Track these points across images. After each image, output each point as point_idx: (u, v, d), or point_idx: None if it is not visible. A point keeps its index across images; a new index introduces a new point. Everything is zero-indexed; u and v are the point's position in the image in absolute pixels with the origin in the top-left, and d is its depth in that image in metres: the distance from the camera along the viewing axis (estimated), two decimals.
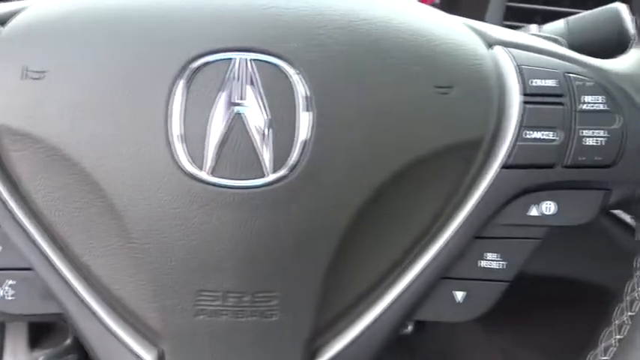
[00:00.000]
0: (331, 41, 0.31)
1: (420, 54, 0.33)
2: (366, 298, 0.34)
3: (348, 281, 0.33)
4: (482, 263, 0.35)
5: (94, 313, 0.33)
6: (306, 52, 0.31)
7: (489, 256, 0.35)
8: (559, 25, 0.47)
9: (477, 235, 0.35)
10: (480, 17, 0.64)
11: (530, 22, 0.57)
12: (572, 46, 0.46)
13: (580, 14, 0.47)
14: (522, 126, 0.34)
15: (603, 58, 0.47)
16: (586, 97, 0.34)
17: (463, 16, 0.68)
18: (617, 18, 0.45)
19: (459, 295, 0.35)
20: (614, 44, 0.45)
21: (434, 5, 0.72)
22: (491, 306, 0.36)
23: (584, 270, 0.75)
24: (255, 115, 0.30)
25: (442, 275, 0.35)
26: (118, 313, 0.33)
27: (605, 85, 0.34)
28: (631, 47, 0.36)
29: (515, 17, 0.65)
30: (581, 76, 0.34)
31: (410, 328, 1.22)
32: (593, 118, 0.34)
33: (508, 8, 0.64)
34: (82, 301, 0.32)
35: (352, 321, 0.35)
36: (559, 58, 0.35)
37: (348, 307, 0.34)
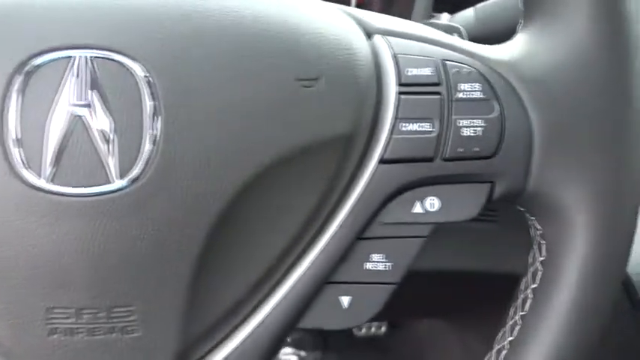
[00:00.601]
0: (179, 35, 0.30)
1: (281, 45, 0.31)
2: (241, 306, 0.33)
3: (216, 291, 0.32)
4: (368, 265, 0.33)
5: None
6: (151, 48, 0.29)
7: (375, 257, 0.33)
8: (468, 13, 0.45)
9: (360, 236, 0.33)
10: (409, 7, 0.62)
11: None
12: (481, 35, 0.45)
13: (488, 2, 0.46)
14: (397, 118, 0.32)
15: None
16: (462, 85, 0.32)
17: (396, 6, 0.66)
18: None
19: (345, 301, 0.34)
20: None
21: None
22: (378, 310, 0.34)
23: None
24: (99, 117, 0.29)
25: (326, 280, 0.33)
26: None
27: (482, 72, 0.32)
28: (517, 32, 0.34)
29: (445, 8, 0.63)
30: (458, 64, 0.32)
31: (383, 329, 1.21)
32: (470, 107, 0.32)
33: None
34: None
35: (230, 331, 0.33)
36: (439, 46, 0.33)
37: (222, 317, 0.32)
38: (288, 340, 1.08)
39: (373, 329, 1.09)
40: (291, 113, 0.30)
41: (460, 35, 0.41)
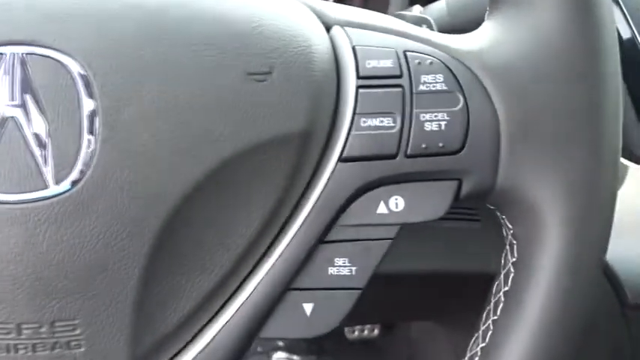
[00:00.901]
0: (119, 29, 0.28)
1: (231, 38, 0.29)
2: (196, 317, 0.31)
3: (167, 301, 0.30)
4: (332, 270, 0.32)
5: None
6: (88, 44, 0.27)
7: (338, 261, 0.32)
8: (440, 5, 0.44)
9: (323, 239, 0.31)
10: (387, 1, 0.60)
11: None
12: (452, 27, 0.43)
13: None
14: (357, 113, 0.30)
15: None
16: (424, 76, 0.30)
17: (371, 2, 0.65)
18: None
19: (309, 308, 0.32)
20: None
21: None
22: (343, 317, 0.32)
23: None
24: (33, 119, 0.27)
25: (288, 286, 0.31)
26: None
27: (446, 62, 0.31)
28: (484, 20, 0.33)
29: (423, 1, 0.61)
30: (420, 54, 0.31)
31: (376, 331, 1.20)
32: (433, 100, 0.30)
33: None
34: None
35: (185, 344, 0.31)
36: (401, 36, 0.31)
37: (175, 328, 0.30)
38: (281, 344, 1.06)
39: (366, 332, 1.07)
40: (242, 109, 0.29)
41: (430, 27, 0.39)
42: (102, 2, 0.28)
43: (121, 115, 0.27)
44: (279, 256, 0.31)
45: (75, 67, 0.27)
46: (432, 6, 0.44)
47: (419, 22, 0.39)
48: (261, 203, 0.30)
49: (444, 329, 0.91)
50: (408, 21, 0.36)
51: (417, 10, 0.43)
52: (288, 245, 0.31)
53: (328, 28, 0.32)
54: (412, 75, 0.30)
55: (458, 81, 0.30)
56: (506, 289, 0.32)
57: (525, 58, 0.30)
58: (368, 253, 0.31)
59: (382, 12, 0.53)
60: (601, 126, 0.30)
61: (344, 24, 0.32)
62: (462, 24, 0.43)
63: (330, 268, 0.32)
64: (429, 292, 0.71)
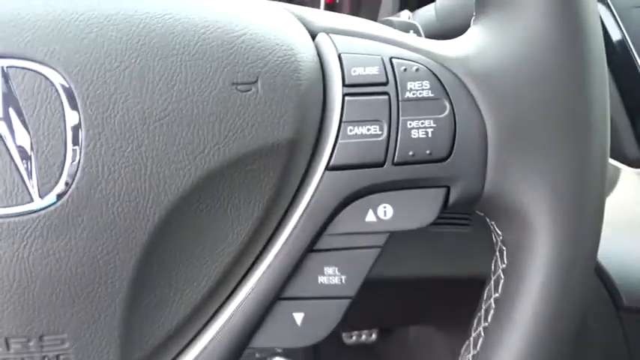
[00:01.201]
0: (103, 41, 0.28)
1: (214, 48, 0.29)
2: (185, 328, 0.31)
3: (155, 313, 0.30)
4: (322, 279, 0.31)
5: None
6: (72, 55, 0.27)
7: (328, 270, 0.31)
8: (429, 11, 0.43)
9: (312, 248, 0.31)
10: (377, 7, 0.60)
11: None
12: (440, 32, 0.43)
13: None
14: (343, 121, 0.30)
15: None
16: (411, 83, 0.30)
17: (365, 6, 0.64)
18: None
19: (299, 317, 0.32)
20: None
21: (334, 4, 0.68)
22: (334, 326, 0.32)
23: None
24: (16, 132, 0.27)
25: (278, 296, 0.31)
26: None
27: (431, 69, 0.30)
28: (470, 26, 0.32)
29: (412, 7, 0.61)
30: (406, 61, 0.31)
31: (374, 336, 1.19)
32: (419, 107, 0.30)
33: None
34: None
35: (176, 353, 0.31)
36: (386, 43, 0.31)
37: (163, 341, 0.30)
38: (279, 350, 1.06)
39: (364, 337, 1.07)
40: (228, 120, 0.29)
41: (417, 33, 0.39)
42: (84, 14, 0.28)
43: (105, 126, 0.27)
44: (269, 266, 0.31)
45: (57, 79, 0.27)
46: (421, 11, 0.44)
47: (406, 28, 0.39)
48: (248, 213, 0.30)
49: (441, 334, 0.91)
50: (395, 27, 0.36)
51: (405, 15, 0.43)
52: (277, 255, 0.31)
53: (313, 36, 0.32)
54: (398, 82, 0.30)
55: (444, 87, 0.30)
56: (497, 295, 0.32)
57: (511, 63, 0.30)
58: (357, 261, 0.31)
59: (373, 17, 0.53)
60: (588, 130, 0.30)
61: (329, 31, 0.32)
62: (450, 29, 0.43)
63: (319, 277, 0.31)
64: (424, 297, 0.71)
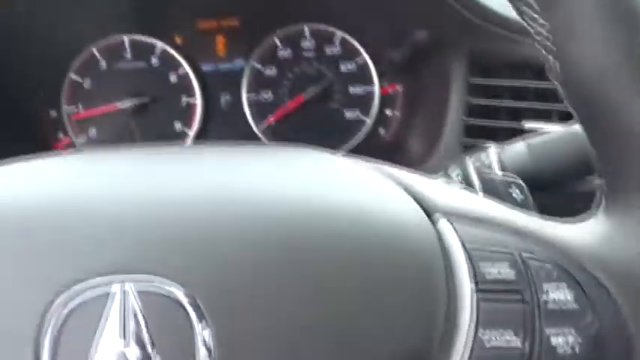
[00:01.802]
0: (234, 258, 0.27)
1: (353, 256, 0.27)
2: None
3: None
4: None
5: None
6: (203, 276, 0.26)
7: None
8: (520, 148, 0.42)
9: None
10: (439, 133, 0.60)
11: (491, 138, 0.53)
12: (534, 172, 0.42)
13: (541, 136, 0.43)
14: (479, 326, 0.27)
15: (566, 182, 0.41)
16: (547, 285, 0.28)
17: (420, 134, 0.63)
18: (579, 141, 0.40)
19: None
20: (577, 167, 0.41)
21: (394, 94, 0.66)
22: None
23: None
24: (144, 355, 0.25)
25: None
26: None
27: (568, 269, 0.28)
28: (592, 214, 0.31)
29: (475, 134, 0.60)
30: (538, 262, 0.28)
31: None
32: (560, 316, 0.28)
33: (467, 126, 0.60)
34: None
35: None
36: (511, 234, 0.29)
37: None
38: None
39: None
40: (374, 327, 0.27)
41: (520, 189, 0.38)
42: (215, 232, 0.27)
43: (235, 336, 0.26)
44: None
45: (185, 300, 0.26)
46: (511, 149, 0.43)
47: (507, 186, 0.38)
48: None
49: None
50: (498, 185, 0.34)
51: (493, 152, 0.42)
52: None
53: (429, 215, 0.30)
54: (535, 284, 0.28)
55: (587, 297, 0.28)
56: None
57: None
58: None
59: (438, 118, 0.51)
60: None
61: (448, 213, 0.30)
62: (545, 171, 0.42)
63: None
64: None
